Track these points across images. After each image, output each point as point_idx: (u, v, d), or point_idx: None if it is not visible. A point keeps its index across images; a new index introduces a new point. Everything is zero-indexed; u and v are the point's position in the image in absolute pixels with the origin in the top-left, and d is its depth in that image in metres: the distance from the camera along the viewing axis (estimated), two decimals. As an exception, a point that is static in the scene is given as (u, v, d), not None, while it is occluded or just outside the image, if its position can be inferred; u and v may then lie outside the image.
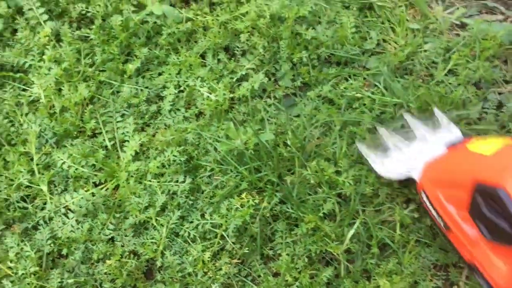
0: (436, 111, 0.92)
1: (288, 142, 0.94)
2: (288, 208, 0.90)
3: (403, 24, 1.07)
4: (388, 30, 1.09)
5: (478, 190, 0.57)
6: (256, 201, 0.88)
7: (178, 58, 1.09)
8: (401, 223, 0.88)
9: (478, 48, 1.03)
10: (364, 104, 0.99)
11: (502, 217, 0.54)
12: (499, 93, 1.01)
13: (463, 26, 1.10)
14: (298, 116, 1.01)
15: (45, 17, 1.12)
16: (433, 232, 0.88)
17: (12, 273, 0.87)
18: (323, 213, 0.88)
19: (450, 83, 1.00)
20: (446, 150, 0.82)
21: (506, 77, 1.02)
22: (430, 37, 1.07)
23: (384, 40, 1.08)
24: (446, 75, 1.02)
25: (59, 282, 0.86)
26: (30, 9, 1.11)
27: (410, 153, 0.89)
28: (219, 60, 1.08)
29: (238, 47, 1.08)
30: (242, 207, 0.87)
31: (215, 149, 0.96)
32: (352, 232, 0.86)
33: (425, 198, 0.79)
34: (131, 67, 1.07)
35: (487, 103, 0.98)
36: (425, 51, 1.05)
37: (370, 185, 0.90)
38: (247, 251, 0.86)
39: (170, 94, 1.04)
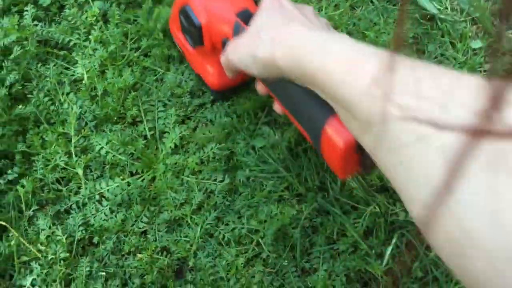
0: None
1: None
2: (330, 220, 0.86)
3: (465, 40, 1.02)
4: (448, 45, 1.04)
5: (180, 11, 0.83)
6: (296, 208, 0.85)
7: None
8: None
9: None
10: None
11: (191, 25, 0.81)
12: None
13: (527, 48, 1.05)
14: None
15: (94, -5, 1.09)
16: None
17: (42, 256, 0.85)
18: (366, 226, 0.84)
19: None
20: None
21: None
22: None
23: (442, 54, 1.03)
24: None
25: (88, 271, 0.84)
26: (80, -14, 1.09)
27: None
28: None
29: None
30: (281, 214, 0.84)
31: (254, 150, 0.92)
32: (390, 248, 0.82)
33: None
34: (176, 54, 1.03)
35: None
36: (485, 71, 1.00)
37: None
38: (285, 264, 0.83)
39: (214, 88, 1.01)
